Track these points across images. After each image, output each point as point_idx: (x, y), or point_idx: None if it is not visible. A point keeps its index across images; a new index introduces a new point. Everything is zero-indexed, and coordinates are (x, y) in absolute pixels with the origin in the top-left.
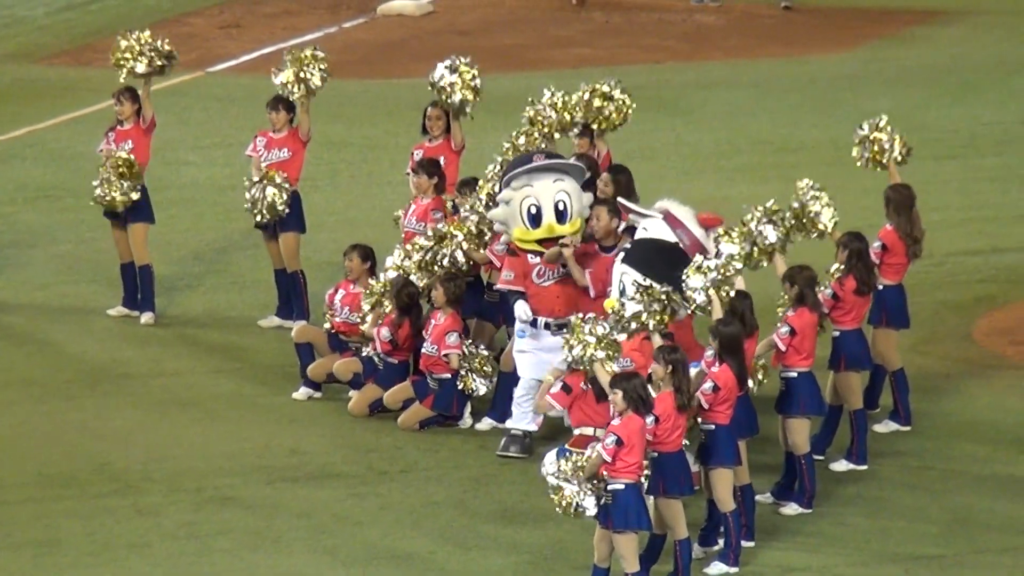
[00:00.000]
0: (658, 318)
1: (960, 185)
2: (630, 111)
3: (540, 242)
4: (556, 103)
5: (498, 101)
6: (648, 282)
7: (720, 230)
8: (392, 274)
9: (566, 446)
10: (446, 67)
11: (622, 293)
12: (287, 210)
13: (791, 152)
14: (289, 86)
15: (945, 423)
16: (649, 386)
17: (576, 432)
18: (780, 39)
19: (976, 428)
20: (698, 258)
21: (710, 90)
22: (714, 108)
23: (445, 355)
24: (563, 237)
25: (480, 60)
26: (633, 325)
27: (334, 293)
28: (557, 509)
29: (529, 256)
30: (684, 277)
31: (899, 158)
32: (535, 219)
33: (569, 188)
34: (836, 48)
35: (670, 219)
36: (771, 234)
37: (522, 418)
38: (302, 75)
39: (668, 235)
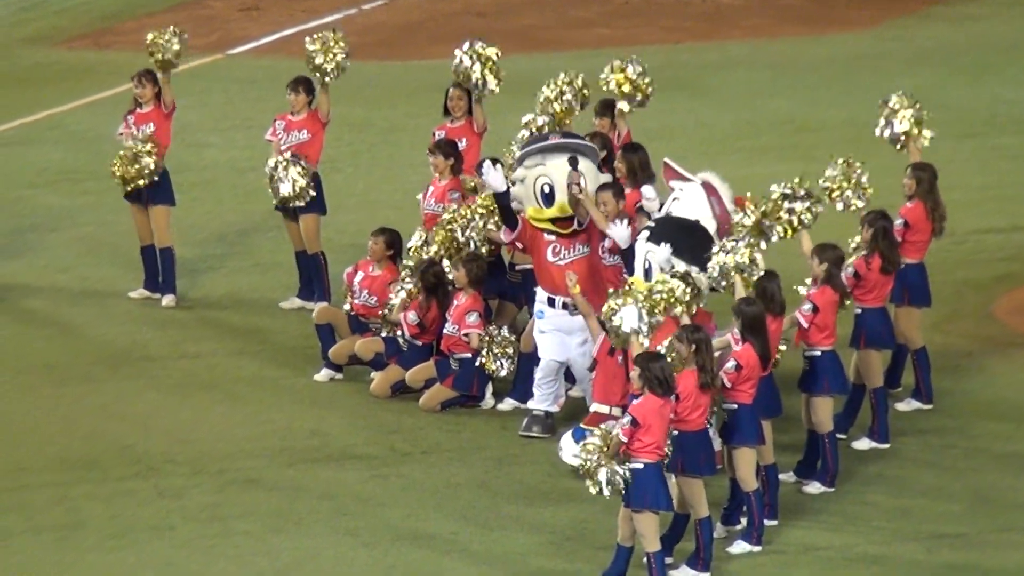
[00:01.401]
0: (691, 304)
1: (980, 164)
2: (649, 89)
3: (553, 221)
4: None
5: (516, 82)
6: (682, 268)
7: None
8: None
9: (581, 425)
10: (464, 52)
11: (647, 271)
12: (309, 194)
13: (811, 132)
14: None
15: (967, 401)
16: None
17: (592, 410)
18: (799, 18)
19: (998, 406)
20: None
21: (729, 70)
22: (733, 88)
23: (465, 335)
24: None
25: (498, 41)
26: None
27: (353, 273)
28: (592, 491)
29: (544, 235)
30: (712, 254)
31: (925, 141)
32: (548, 198)
33: (583, 167)
34: (855, 27)
35: (707, 187)
36: (799, 207)
37: (543, 400)
38: (326, 57)
39: (701, 201)
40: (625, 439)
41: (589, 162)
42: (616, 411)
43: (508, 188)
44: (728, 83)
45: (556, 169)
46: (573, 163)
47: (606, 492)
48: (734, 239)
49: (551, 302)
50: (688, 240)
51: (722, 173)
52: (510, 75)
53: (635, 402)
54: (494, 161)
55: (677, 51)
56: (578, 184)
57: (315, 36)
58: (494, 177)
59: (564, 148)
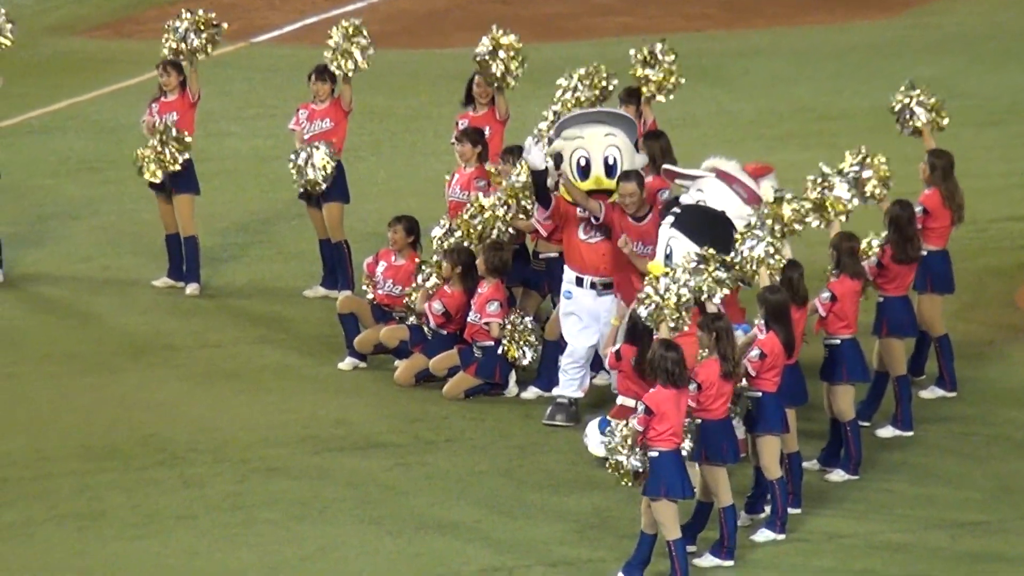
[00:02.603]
0: (726, 287)
1: (1002, 152)
2: (677, 78)
3: (589, 194)
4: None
5: (539, 70)
6: (711, 252)
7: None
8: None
9: (607, 416)
10: (485, 43)
11: (668, 257)
12: (326, 183)
13: (833, 120)
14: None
15: (990, 389)
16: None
17: (619, 402)
18: (821, 6)
19: (1020, 394)
20: (750, 224)
21: (751, 58)
22: (755, 76)
23: (486, 323)
24: (612, 195)
25: (521, 29)
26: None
27: (374, 264)
28: (624, 483)
29: (578, 210)
30: (737, 244)
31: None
32: (584, 171)
33: (620, 143)
34: (877, 15)
35: (722, 175)
36: (843, 192)
37: (568, 385)
38: (350, 50)
39: (726, 192)
40: (640, 428)
41: (626, 138)
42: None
43: (546, 167)
44: (750, 71)
45: (594, 142)
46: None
47: (633, 484)
48: (758, 230)
49: (579, 281)
50: (712, 231)
51: (745, 161)
52: (533, 63)
53: (650, 391)
54: (536, 140)
55: (699, 39)
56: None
57: (330, 38)
58: (535, 155)
59: (602, 121)
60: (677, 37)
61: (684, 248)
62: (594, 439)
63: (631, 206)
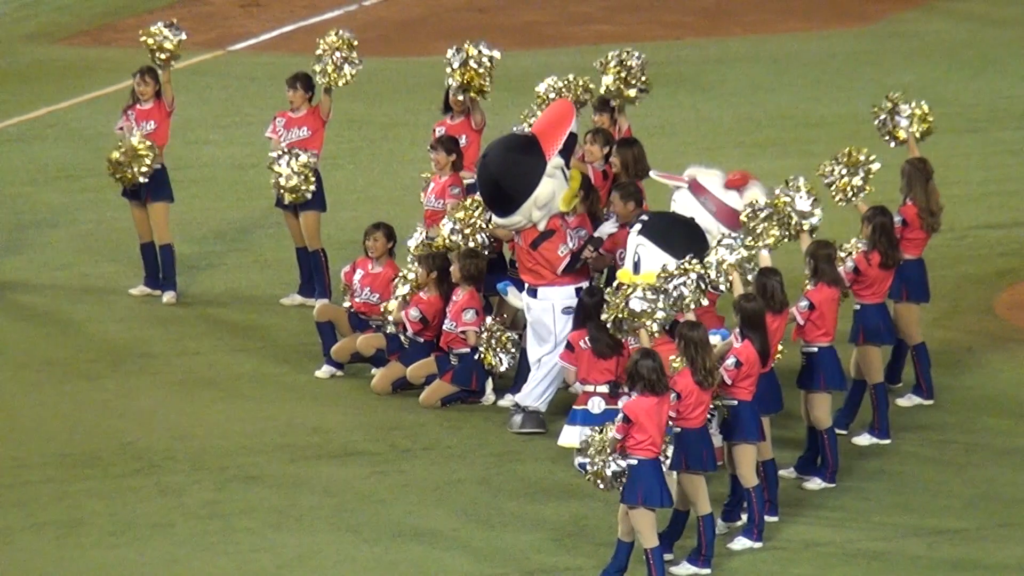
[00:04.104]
0: (696, 299)
1: (981, 159)
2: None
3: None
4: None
5: (517, 78)
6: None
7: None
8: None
9: (574, 407)
10: (454, 54)
11: (636, 265)
12: (309, 194)
13: (812, 127)
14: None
15: (967, 397)
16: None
17: (581, 391)
18: (799, 14)
19: (998, 401)
20: (722, 235)
21: (730, 66)
22: (734, 84)
23: (462, 332)
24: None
25: (498, 37)
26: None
27: (351, 272)
28: (600, 486)
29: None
30: (708, 254)
31: (917, 134)
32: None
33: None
34: (856, 22)
35: (695, 187)
36: (804, 205)
37: (536, 397)
38: (342, 65)
39: (694, 204)
40: (619, 436)
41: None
42: (602, 388)
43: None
44: (728, 79)
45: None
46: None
47: (611, 488)
48: (734, 236)
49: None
50: (680, 237)
51: (724, 169)
52: (510, 72)
53: (628, 400)
54: (506, 287)
55: (677, 47)
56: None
57: (322, 48)
58: (513, 299)
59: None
60: (655, 45)
61: (652, 255)
62: (568, 435)
63: (621, 217)
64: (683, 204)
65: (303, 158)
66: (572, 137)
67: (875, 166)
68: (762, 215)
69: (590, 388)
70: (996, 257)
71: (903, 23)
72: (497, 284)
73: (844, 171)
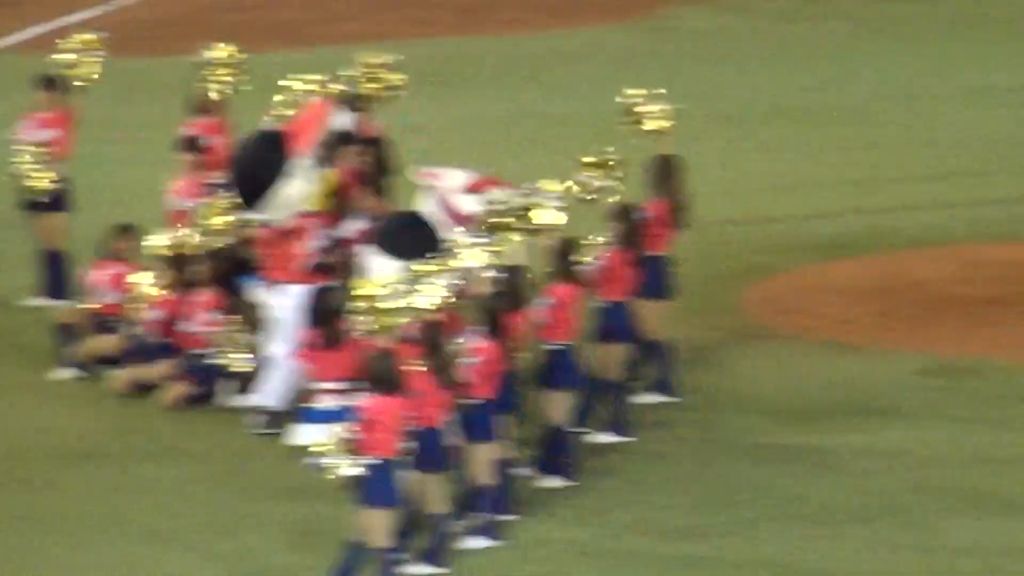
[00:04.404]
0: (437, 299)
1: (730, 156)
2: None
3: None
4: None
5: (275, 77)
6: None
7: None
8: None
9: (309, 405)
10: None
11: (369, 269)
12: (50, 190)
13: (562, 126)
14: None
15: (709, 394)
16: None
17: (316, 389)
18: (554, 12)
19: (739, 399)
20: (464, 235)
21: (481, 64)
22: (487, 82)
23: (201, 333)
24: None
25: (258, 36)
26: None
27: (93, 273)
28: (335, 484)
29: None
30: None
31: (660, 130)
32: None
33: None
34: (610, 19)
35: (437, 188)
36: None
37: (273, 396)
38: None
39: (435, 205)
40: (354, 436)
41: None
42: (337, 386)
43: None
44: (479, 77)
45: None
46: None
47: (344, 485)
48: (476, 236)
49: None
50: (410, 240)
51: (476, 167)
52: (269, 71)
53: (364, 399)
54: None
55: (430, 45)
56: None
57: (66, 49)
58: (257, 296)
59: None
60: (408, 43)
61: (380, 259)
62: (302, 433)
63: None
64: (425, 205)
65: (47, 159)
66: (339, 136)
67: (619, 165)
68: (503, 214)
69: (326, 386)
70: (742, 254)
71: (660, 20)
72: (241, 282)
73: (592, 172)
